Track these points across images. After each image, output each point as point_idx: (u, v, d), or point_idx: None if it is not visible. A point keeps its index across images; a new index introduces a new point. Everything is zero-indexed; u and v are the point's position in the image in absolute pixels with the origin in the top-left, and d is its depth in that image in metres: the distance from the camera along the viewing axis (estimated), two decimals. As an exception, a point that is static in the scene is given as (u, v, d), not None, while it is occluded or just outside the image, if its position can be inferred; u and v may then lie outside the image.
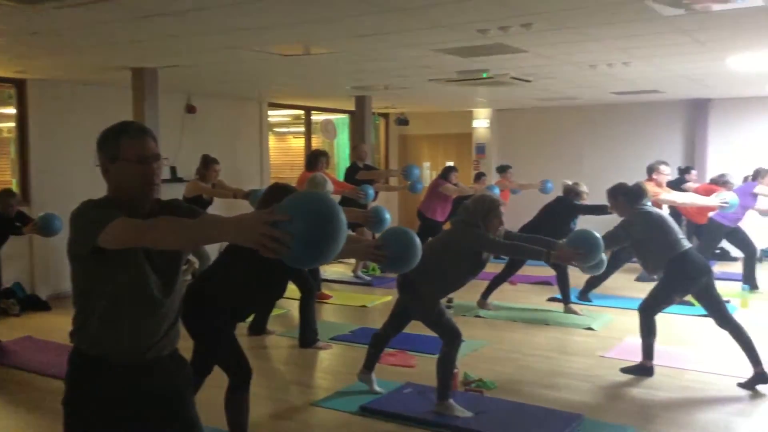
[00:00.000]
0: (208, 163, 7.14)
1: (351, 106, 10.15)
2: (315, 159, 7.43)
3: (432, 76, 7.22)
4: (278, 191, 3.38)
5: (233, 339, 3.34)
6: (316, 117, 11.46)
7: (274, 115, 10.97)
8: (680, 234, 4.81)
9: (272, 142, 11.08)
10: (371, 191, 7.55)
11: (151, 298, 2.07)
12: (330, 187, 6.01)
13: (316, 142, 11.49)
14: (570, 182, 6.97)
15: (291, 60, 6.15)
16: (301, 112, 11.18)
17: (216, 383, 3.44)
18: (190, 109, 8.92)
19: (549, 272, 7.29)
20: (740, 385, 4.54)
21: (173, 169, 8.63)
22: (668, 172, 7.35)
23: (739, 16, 4.47)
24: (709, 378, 4.75)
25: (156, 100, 6.96)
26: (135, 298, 2.06)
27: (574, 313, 6.64)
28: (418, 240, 3.03)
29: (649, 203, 5.01)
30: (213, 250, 7.71)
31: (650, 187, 7.35)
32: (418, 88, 8.43)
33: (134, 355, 2.09)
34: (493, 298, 7.02)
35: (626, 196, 4.94)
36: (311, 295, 5.61)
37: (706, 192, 8.47)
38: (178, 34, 5.05)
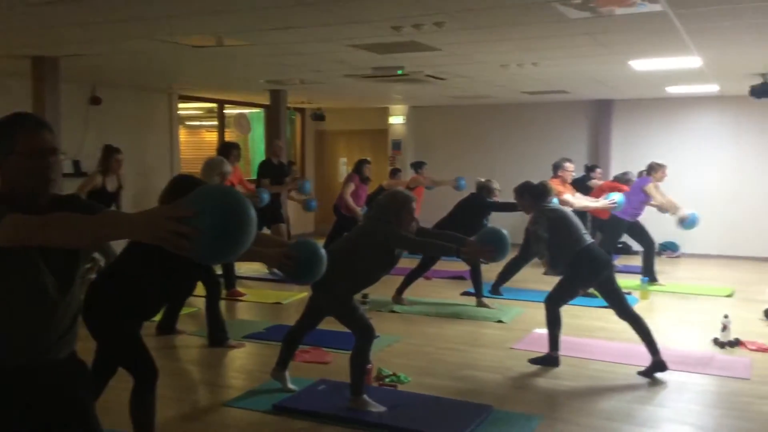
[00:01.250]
0: (109, 153, 6.83)
1: (266, 100, 10.01)
2: (226, 150, 7.25)
3: (347, 71, 7.20)
4: (183, 184, 3.27)
5: (138, 339, 3.22)
6: (230, 111, 11.24)
7: (186, 108, 10.69)
8: (583, 230, 5.02)
9: (184, 136, 10.79)
10: (266, 196, 7.66)
11: (46, 299, 1.97)
12: (228, 168, 5.88)
13: (230, 137, 11.26)
14: (483, 179, 7.12)
15: (202, 51, 6.00)
16: (214, 105, 10.94)
17: (121, 385, 3.32)
18: (95, 101, 8.55)
19: (463, 267, 7.43)
20: (640, 373, 4.77)
21: (76, 164, 8.26)
22: (573, 169, 7.68)
23: (641, 21, 4.68)
24: (612, 367, 4.97)
25: (57, 90, 6.63)
26: (29, 299, 1.95)
27: (486, 306, 6.79)
28: (323, 253, 3.10)
29: (555, 201, 5.19)
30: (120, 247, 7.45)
31: (555, 184, 7.69)
32: (333, 84, 8.40)
33: (28, 357, 1.98)
34: (408, 294, 7.09)
35: (531, 194, 5.13)
36: (218, 291, 5.49)
37: (610, 188, 8.91)
38: (81, 22, 4.82)
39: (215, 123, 11.10)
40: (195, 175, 3.87)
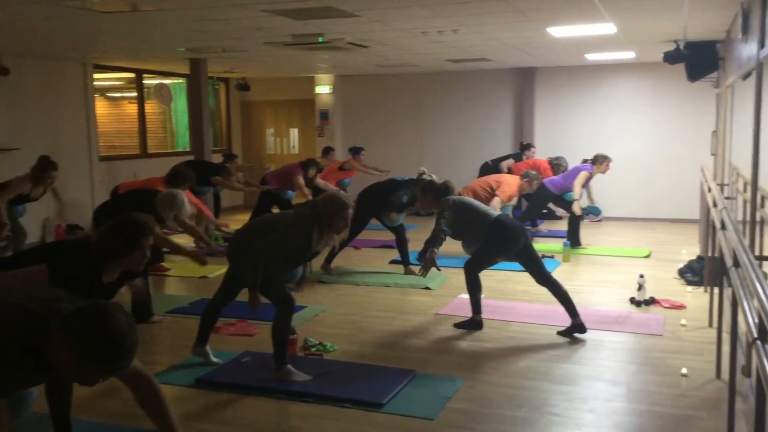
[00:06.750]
0: (45, 168, 6.67)
1: (186, 70, 9.70)
2: (180, 180, 6.44)
3: (267, 39, 7.04)
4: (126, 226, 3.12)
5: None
6: (150, 81, 10.85)
7: (104, 79, 10.26)
8: (486, 207, 5.23)
9: (104, 108, 10.38)
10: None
11: None
12: (186, 212, 5.37)
13: (151, 108, 10.91)
14: (426, 172, 7.03)
15: (115, 18, 5.74)
16: (132, 75, 10.53)
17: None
18: (3, 71, 8.10)
19: (390, 236, 7.46)
20: (559, 333, 4.92)
21: (-15, 138, 7.86)
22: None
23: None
24: (533, 328, 5.10)
25: (-44, 59, 6.25)
26: None
27: (414, 274, 6.84)
28: None
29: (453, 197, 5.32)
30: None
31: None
32: (255, 52, 8.21)
33: None
34: (336, 263, 7.07)
35: (433, 192, 5.33)
36: (146, 270, 5.34)
37: (535, 165, 9.16)
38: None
39: (135, 94, 10.71)
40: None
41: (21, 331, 2.09)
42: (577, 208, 8.02)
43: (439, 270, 5.10)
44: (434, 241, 5.08)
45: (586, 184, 8.24)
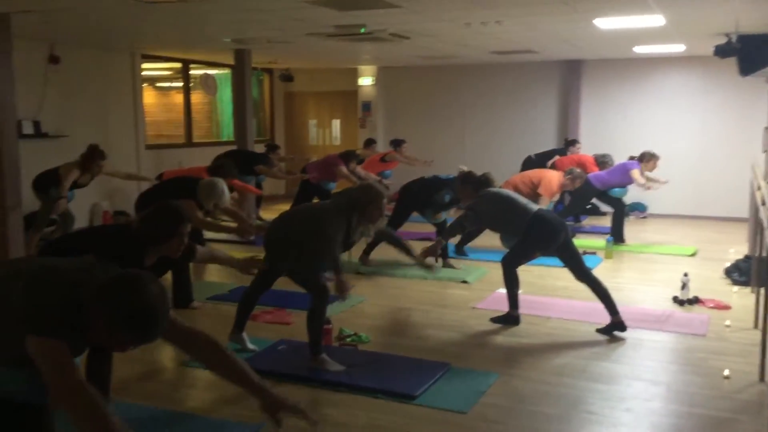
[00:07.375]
0: (94, 156, 6.88)
1: (231, 60, 9.81)
2: (227, 167, 6.45)
3: (309, 29, 7.06)
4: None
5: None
6: (196, 71, 11.01)
7: (151, 68, 10.44)
8: (526, 200, 5.12)
9: (153, 97, 10.57)
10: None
11: None
12: (225, 200, 5.31)
13: (197, 98, 11.07)
14: (465, 169, 7.01)
15: (162, 8, 5.83)
16: (179, 65, 10.70)
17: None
18: (54, 60, 8.31)
19: (430, 229, 7.44)
20: (598, 330, 4.84)
21: (36, 124, 8.07)
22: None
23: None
24: (571, 325, 5.03)
25: (10, 48, 6.39)
26: None
27: (452, 267, 6.82)
28: None
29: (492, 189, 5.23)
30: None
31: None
32: (298, 43, 8.25)
33: None
34: (375, 255, 7.08)
35: (472, 184, 5.23)
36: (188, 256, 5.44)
37: (580, 161, 8.97)
38: (28, -24, 4.65)
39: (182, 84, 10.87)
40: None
41: (60, 289, 2.11)
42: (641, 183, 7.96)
43: (436, 262, 5.05)
44: (449, 231, 5.06)
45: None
